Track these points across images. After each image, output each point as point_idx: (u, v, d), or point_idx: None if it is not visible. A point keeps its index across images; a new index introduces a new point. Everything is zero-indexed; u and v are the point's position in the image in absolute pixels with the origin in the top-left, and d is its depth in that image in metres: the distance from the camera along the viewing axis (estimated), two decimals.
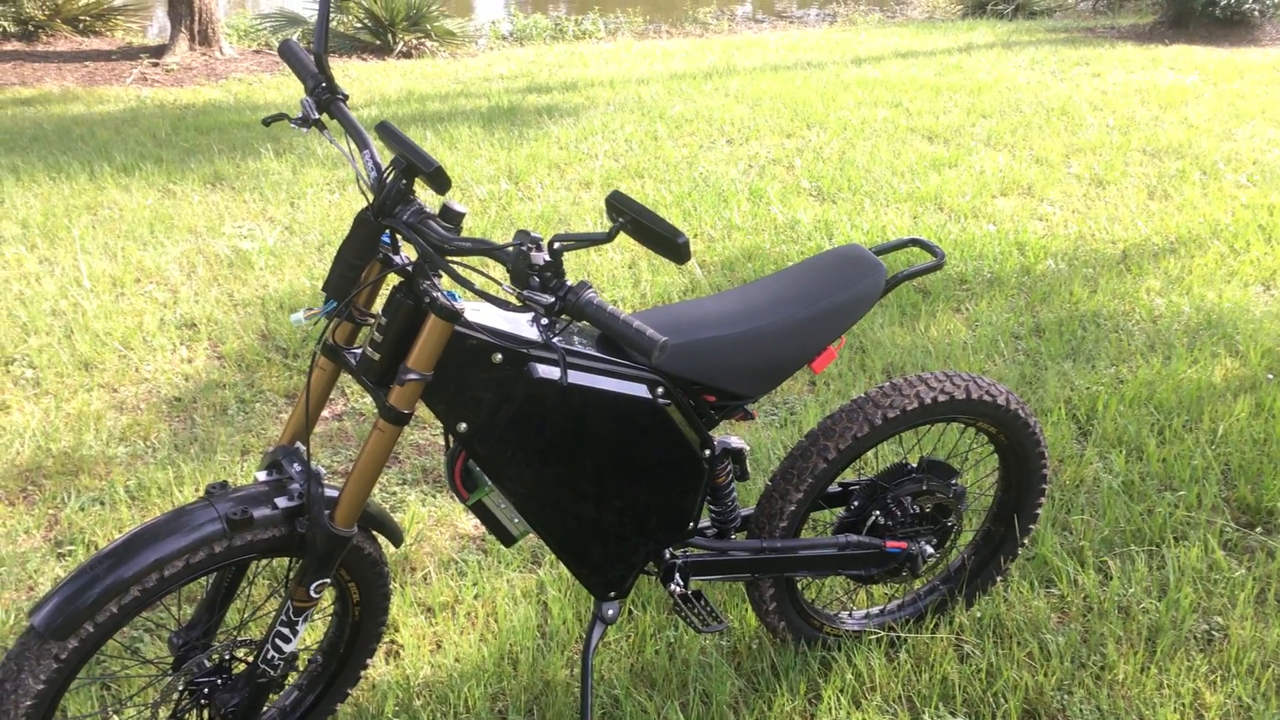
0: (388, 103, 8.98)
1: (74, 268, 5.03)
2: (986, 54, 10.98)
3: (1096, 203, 6.10)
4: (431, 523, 3.20)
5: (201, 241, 5.43)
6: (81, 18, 12.25)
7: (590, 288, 1.67)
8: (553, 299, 1.67)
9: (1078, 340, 4.34)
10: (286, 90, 9.77)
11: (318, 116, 2.00)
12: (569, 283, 1.68)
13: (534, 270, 1.68)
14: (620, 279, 4.94)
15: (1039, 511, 2.70)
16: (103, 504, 3.25)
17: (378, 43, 12.03)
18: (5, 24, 11.78)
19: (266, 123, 2.04)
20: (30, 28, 11.87)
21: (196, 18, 11.17)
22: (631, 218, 1.63)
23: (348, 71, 10.71)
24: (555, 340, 1.98)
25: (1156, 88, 9.11)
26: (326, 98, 2.00)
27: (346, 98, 2.04)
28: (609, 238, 1.64)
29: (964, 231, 5.57)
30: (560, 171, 6.73)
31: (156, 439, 3.63)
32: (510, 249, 1.70)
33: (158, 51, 11.27)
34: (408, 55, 11.86)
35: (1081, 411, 3.79)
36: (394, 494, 3.36)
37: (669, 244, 1.61)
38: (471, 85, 9.76)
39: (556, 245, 1.68)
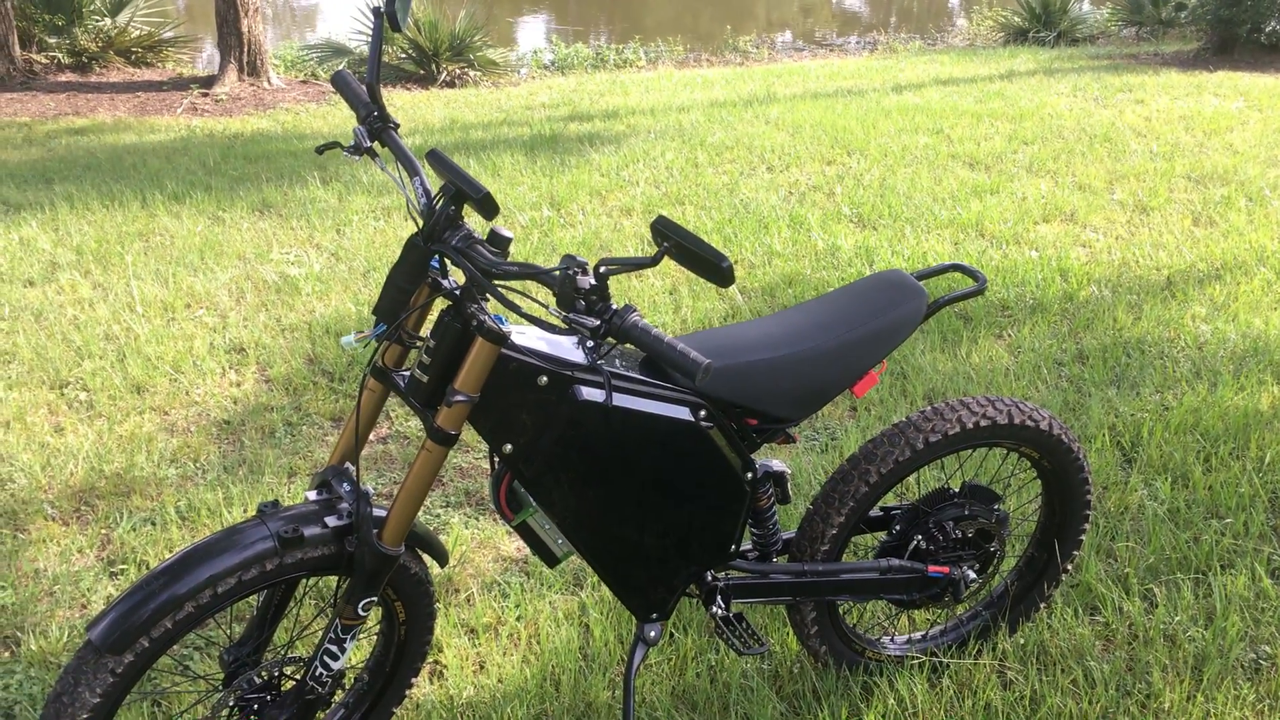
0: (431, 131, 9.10)
1: (126, 293, 5.14)
2: (1028, 81, 10.96)
3: (1140, 229, 6.06)
4: (475, 544, 3.23)
5: (250, 267, 5.52)
6: (133, 49, 12.51)
7: (635, 311, 1.70)
8: (598, 322, 1.70)
9: (1122, 367, 4.32)
10: (333, 119, 9.93)
11: (370, 145, 2.05)
12: (614, 306, 1.71)
13: (580, 294, 1.71)
14: (661, 304, 4.97)
15: (1083, 538, 2.69)
16: (154, 524, 3.31)
17: (422, 72, 12.20)
18: (60, 55, 12.06)
19: (320, 151, 2.10)
20: (84, 59, 12.14)
21: (245, 49, 11.38)
22: (676, 242, 1.66)
23: (392, 101, 10.87)
24: (600, 363, 2.01)
25: (1201, 114, 9.05)
26: (379, 126, 2.06)
27: (398, 126, 2.09)
28: (654, 262, 1.67)
29: (1006, 258, 5.56)
30: (601, 199, 6.79)
31: (206, 461, 3.70)
32: (556, 273, 1.74)
33: (207, 82, 11.49)
34: (451, 84, 12.02)
35: (1126, 438, 3.76)
36: (438, 516, 3.40)
37: (714, 268, 1.63)
38: (514, 114, 9.88)
39: (602, 269, 1.71)
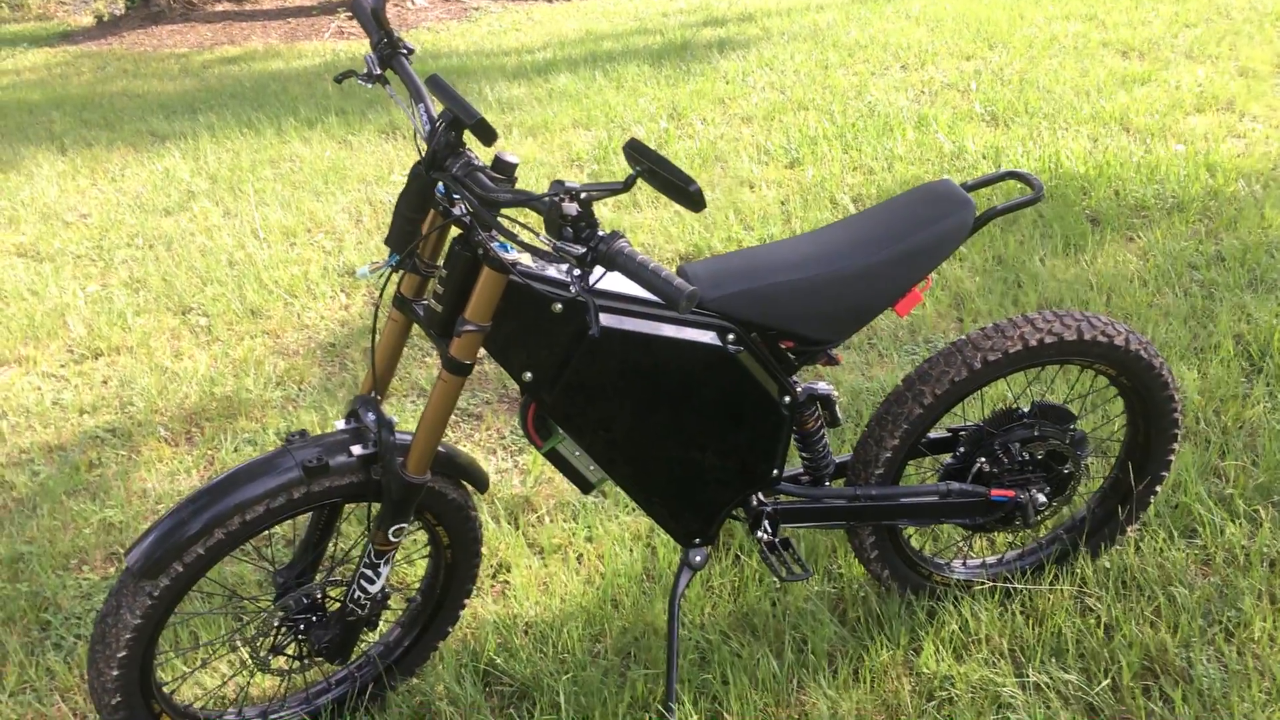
0: (564, 43, 9.05)
1: (252, 220, 5.32)
2: None
3: None
4: None
5: (370, 190, 5.63)
6: None
7: (622, 237, 1.64)
8: (584, 249, 1.65)
9: (1261, 269, 4.00)
10: (470, 37, 9.97)
11: (380, 73, 2.04)
12: (601, 232, 1.66)
13: (566, 220, 1.67)
14: (771, 216, 4.85)
15: (1171, 459, 2.52)
16: (254, 445, 3.45)
17: None
18: None
19: (338, 80, 2.09)
20: None
21: None
22: (648, 166, 1.60)
23: (531, 15, 10.84)
24: (587, 289, 1.97)
25: None
26: (388, 53, 2.03)
27: (411, 52, 2.06)
28: (625, 187, 1.62)
29: (1148, 153, 5.19)
30: (724, 107, 6.63)
31: (309, 383, 3.82)
32: (546, 199, 1.70)
33: None
34: None
35: (1254, 347, 3.50)
36: (523, 436, 3.43)
37: (681, 192, 1.57)
38: (649, 22, 9.72)
39: (583, 195, 1.66)
